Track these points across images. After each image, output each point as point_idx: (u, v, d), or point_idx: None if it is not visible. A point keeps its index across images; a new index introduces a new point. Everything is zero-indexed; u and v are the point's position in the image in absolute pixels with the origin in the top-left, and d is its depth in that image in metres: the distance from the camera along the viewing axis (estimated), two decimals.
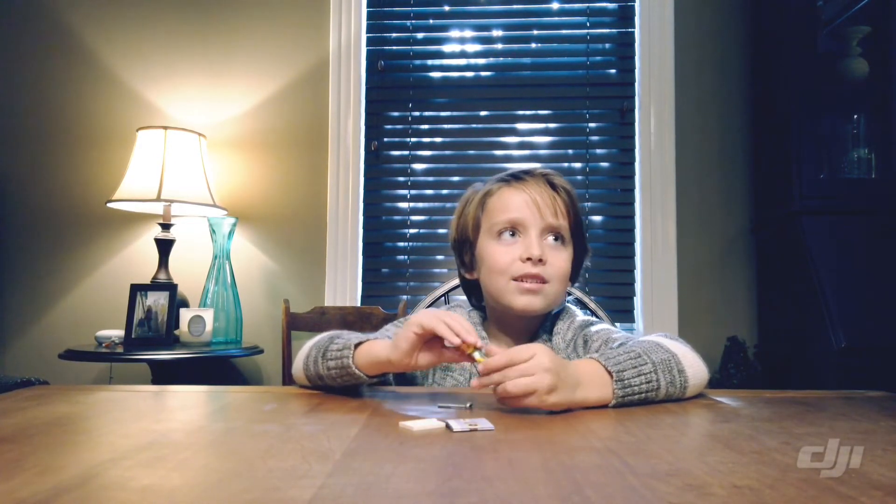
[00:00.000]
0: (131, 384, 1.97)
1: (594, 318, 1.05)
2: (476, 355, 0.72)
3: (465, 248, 1.04)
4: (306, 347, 0.89)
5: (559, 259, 0.96)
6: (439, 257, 2.32)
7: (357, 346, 0.81)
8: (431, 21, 2.38)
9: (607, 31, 2.33)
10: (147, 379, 2.04)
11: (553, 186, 0.98)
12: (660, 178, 2.23)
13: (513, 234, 0.96)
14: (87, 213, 2.32)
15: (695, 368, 0.79)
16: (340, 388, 0.84)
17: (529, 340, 1.01)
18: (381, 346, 0.79)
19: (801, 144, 1.91)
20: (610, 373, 0.73)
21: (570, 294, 1.32)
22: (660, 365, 0.76)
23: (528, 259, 0.93)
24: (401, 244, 2.34)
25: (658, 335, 0.85)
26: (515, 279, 0.94)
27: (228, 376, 2.30)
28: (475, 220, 1.01)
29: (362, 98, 2.35)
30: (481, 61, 2.37)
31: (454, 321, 0.74)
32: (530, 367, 0.68)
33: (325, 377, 0.83)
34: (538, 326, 1.02)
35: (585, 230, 1.04)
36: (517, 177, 1.00)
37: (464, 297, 1.12)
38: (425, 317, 0.75)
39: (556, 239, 0.97)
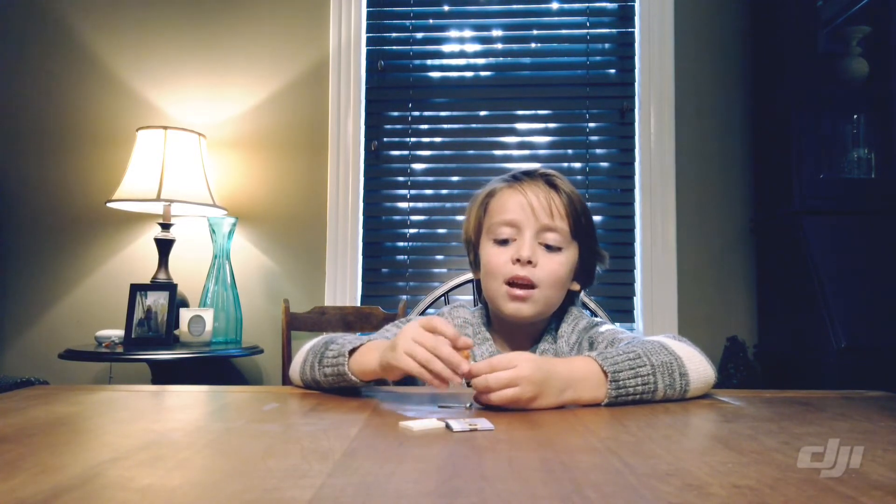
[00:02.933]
0: (131, 384, 1.97)
1: (600, 319, 1.04)
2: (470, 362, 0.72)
3: (470, 249, 1.05)
4: (302, 352, 0.88)
5: (552, 262, 0.95)
6: (439, 257, 2.32)
7: (351, 351, 0.80)
8: (431, 21, 2.38)
9: (607, 31, 2.33)
10: (147, 379, 2.04)
11: (553, 187, 0.97)
12: (660, 178, 2.23)
13: (510, 237, 0.96)
14: (87, 213, 2.32)
15: (699, 372, 0.79)
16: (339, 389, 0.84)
17: (533, 343, 1.01)
18: (374, 362, 0.78)
19: (801, 144, 1.91)
20: (605, 372, 0.73)
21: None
22: (659, 367, 0.76)
23: (518, 261, 0.93)
24: (401, 244, 2.34)
25: (665, 336, 0.85)
26: (507, 282, 0.94)
27: (228, 376, 2.30)
28: (477, 220, 1.02)
29: (362, 98, 2.35)
30: (481, 61, 2.37)
31: (435, 346, 0.71)
32: (512, 377, 0.69)
33: (323, 383, 0.83)
34: (542, 329, 1.02)
35: (593, 233, 1.03)
36: (517, 178, 1.00)
37: (465, 297, 1.12)
38: (404, 361, 0.71)
39: (550, 245, 0.95)
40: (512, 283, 0.94)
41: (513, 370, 0.69)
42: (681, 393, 0.77)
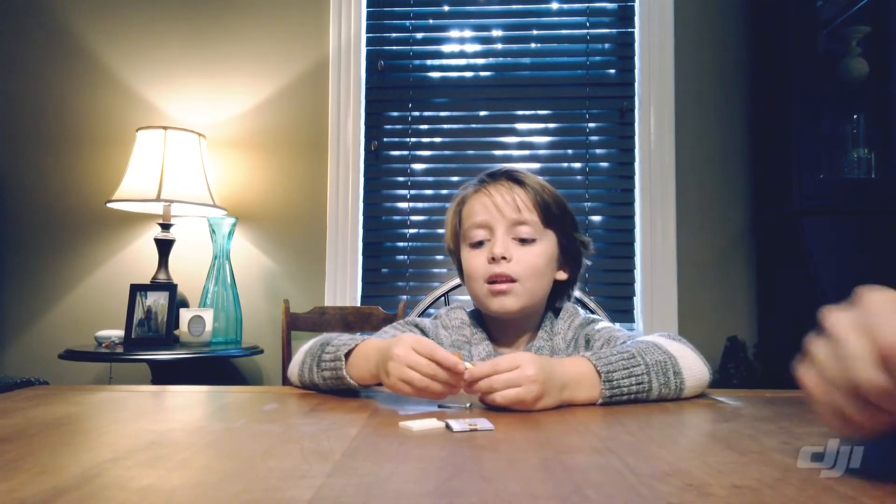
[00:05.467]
0: (131, 384, 1.97)
1: (596, 316, 1.05)
2: (466, 366, 0.71)
3: (454, 257, 1.08)
4: (300, 353, 0.88)
5: (528, 255, 0.97)
6: (439, 257, 2.32)
7: (347, 353, 0.80)
8: (431, 21, 2.38)
9: (607, 31, 2.33)
10: (147, 379, 2.04)
11: (517, 182, 0.99)
12: (660, 178, 2.23)
13: (483, 238, 0.98)
14: (87, 213, 2.32)
15: (693, 370, 0.79)
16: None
17: (530, 340, 1.02)
18: (369, 374, 0.77)
19: (801, 144, 1.91)
20: (599, 373, 0.74)
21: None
22: (653, 367, 0.76)
23: (493, 259, 0.95)
24: (400, 244, 2.34)
25: (659, 335, 0.85)
26: (487, 282, 0.96)
27: (228, 376, 2.30)
28: (454, 229, 1.05)
29: (362, 98, 2.35)
30: (481, 61, 2.37)
31: (432, 373, 0.70)
32: (517, 378, 0.69)
33: (321, 386, 0.83)
34: (538, 326, 1.02)
35: (570, 220, 1.03)
36: (482, 181, 1.02)
37: (465, 298, 1.13)
38: (400, 388, 0.71)
39: (524, 238, 0.97)
40: (492, 281, 0.96)
41: (516, 371, 0.69)
42: (676, 392, 0.78)
